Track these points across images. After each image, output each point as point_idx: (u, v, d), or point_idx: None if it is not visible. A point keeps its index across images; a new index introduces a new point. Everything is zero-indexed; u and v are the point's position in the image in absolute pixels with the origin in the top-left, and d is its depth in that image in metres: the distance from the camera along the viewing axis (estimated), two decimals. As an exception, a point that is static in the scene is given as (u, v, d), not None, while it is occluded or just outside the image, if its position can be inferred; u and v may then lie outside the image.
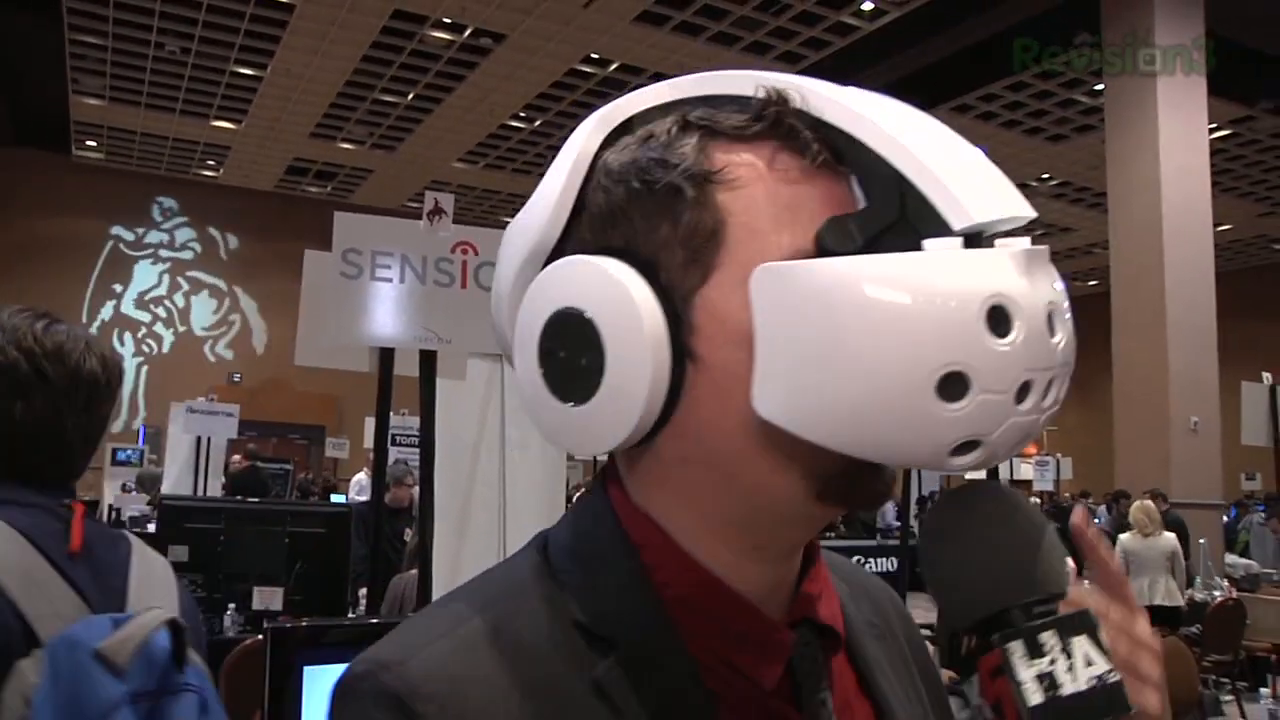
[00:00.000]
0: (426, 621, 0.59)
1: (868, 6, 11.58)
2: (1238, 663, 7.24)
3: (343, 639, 1.72)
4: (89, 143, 17.89)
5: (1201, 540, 8.58)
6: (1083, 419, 21.23)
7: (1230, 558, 9.68)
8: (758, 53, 12.71)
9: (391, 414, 3.83)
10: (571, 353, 0.57)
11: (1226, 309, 10.95)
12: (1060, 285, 0.55)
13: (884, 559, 12.75)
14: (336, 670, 1.58)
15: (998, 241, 0.54)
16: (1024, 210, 0.56)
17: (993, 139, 14.96)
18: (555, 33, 12.37)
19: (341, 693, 0.56)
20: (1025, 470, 15.33)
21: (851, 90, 0.59)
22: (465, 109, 15.11)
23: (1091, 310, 13.56)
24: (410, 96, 14.77)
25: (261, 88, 14.66)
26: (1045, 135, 15.02)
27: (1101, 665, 0.52)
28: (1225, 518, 11.00)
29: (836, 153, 0.57)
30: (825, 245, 0.55)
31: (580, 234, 0.59)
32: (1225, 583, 8.35)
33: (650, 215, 0.57)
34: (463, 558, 4.57)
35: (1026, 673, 0.51)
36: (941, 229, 0.53)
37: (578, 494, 11.89)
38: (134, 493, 11.28)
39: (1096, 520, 11.61)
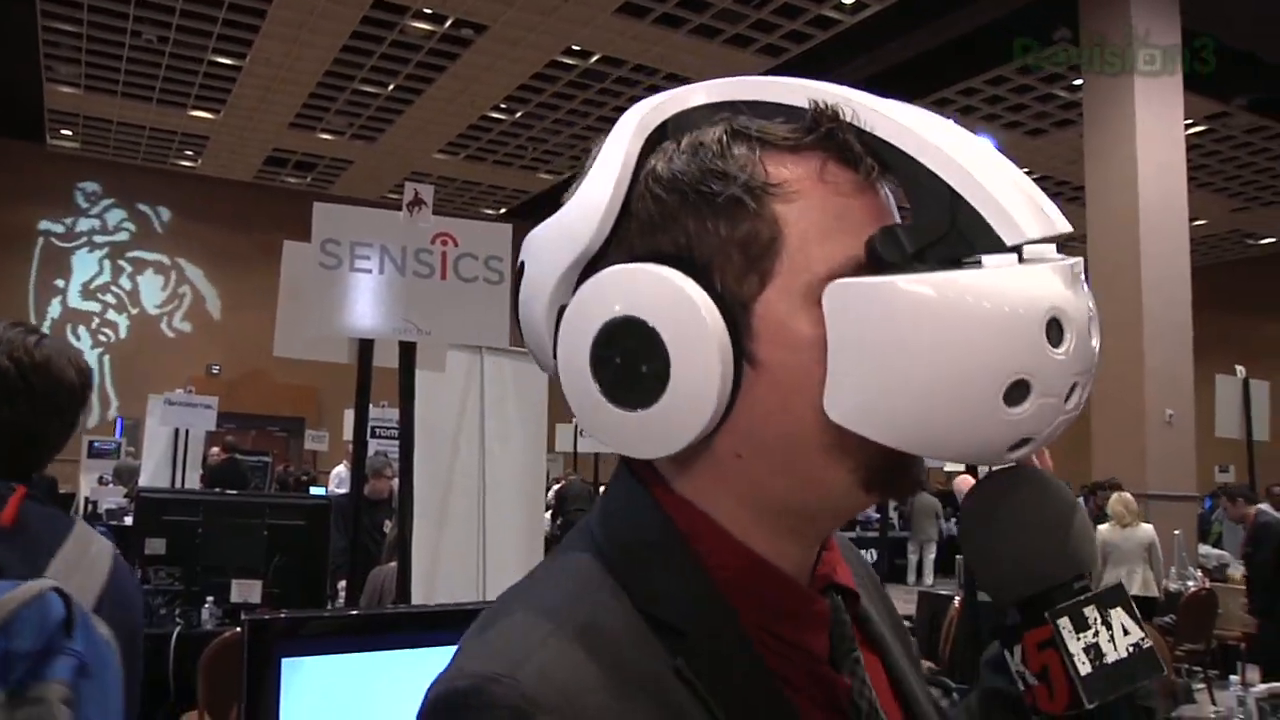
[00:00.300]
0: (511, 629, 0.58)
1: (849, 0, 11.61)
2: (1209, 651, 7.38)
3: (321, 630, 1.69)
4: (64, 131, 17.73)
5: (1176, 531, 8.67)
6: (1060, 412, 21.60)
7: (1203, 548, 9.79)
8: (739, 45, 12.73)
9: (371, 406, 3.82)
10: (630, 360, 0.58)
11: (1202, 303, 11.06)
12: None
13: (864, 550, 12.96)
14: (314, 662, 1.57)
15: (1028, 249, 0.57)
16: (1065, 225, 0.59)
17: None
18: (536, 24, 12.36)
19: (443, 710, 0.55)
20: (1004, 463, 15.31)
21: (896, 104, 0.61)
22: (446, 100, 15.07)
23: (1069, 304, 13.69)
24: (390, 87, 14.71)
25: (240, 77, 14.55)
26: (1024, 129, 15.12)
27: (1136, 634, 0.58)
28: (1200, 509, 11.11)
29: (883, 166, 0.60)
30: (877, 255, 0.58)
31: (627, 240, 0.61)
32: (1199, 573, 8.45)
33: (705, 224, 0.59)
34: (442, 549, 4.57)
35: (1075, 645, 0.57)
36: (993, 244, 0.56)
37: (557, 486, 11.90)
38: (111, 485, 11.22)
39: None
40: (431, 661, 0.60)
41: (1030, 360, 0.55)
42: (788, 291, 0.58)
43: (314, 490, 12.09)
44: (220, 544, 4.52)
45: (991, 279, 0.55)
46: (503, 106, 15.32)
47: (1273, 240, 20.79)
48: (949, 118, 0.60)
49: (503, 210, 20.57)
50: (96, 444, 13.34)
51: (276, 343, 3.93)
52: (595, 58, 13.32)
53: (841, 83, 0.62)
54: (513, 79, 14.06)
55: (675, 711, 0.56)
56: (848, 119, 0.60)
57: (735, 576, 0.61)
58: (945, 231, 0.57)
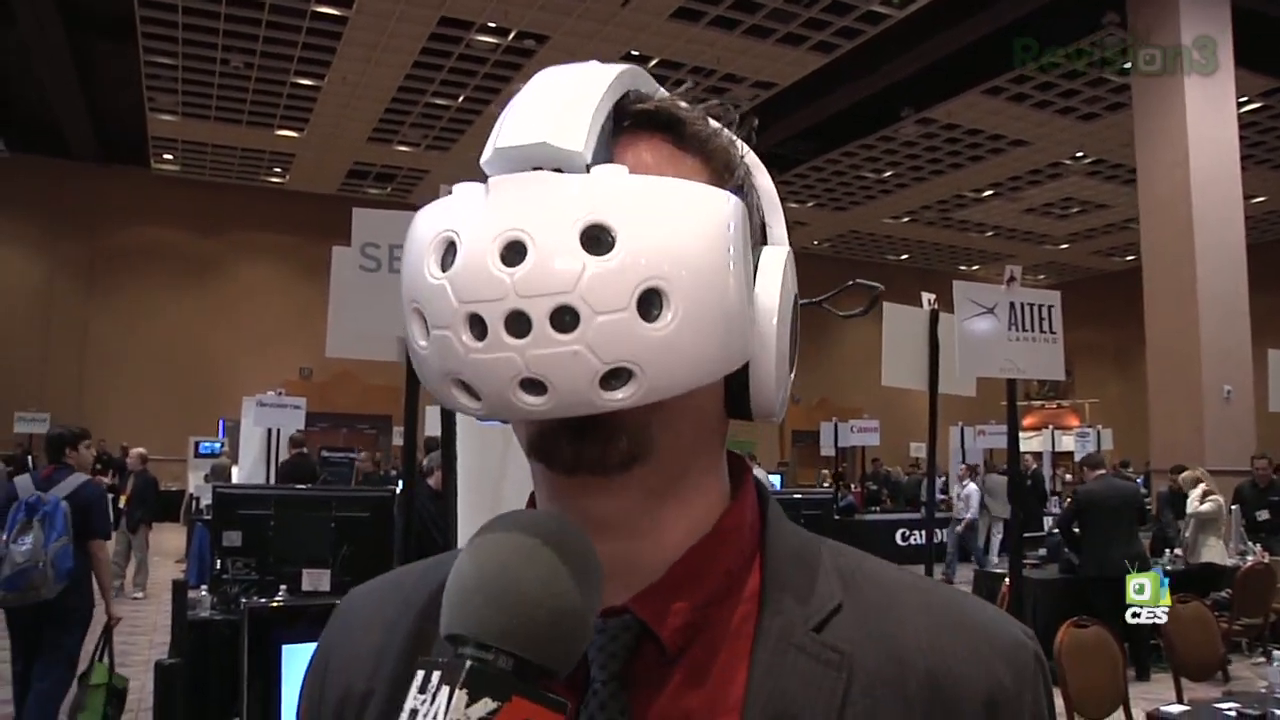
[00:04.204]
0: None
1: (897, -5, 11.79)
2: (1268, 625, 7.33)
3: (321, 617, 1.79)
4: (166, 156, 18.82)
5: (1234, 506, 8.69)
6: (1121, 391, 21.30)
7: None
8: (792, 44, 13.02)
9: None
10: None
11: (1264, 280, 10.94)
12: (559, 214, 0.48)
13: (923, 531, 12.91)
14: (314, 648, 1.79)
15: (496, 174, 0.51)
16: (537, 136, 0.50)
17: (1026, 119, 15.05)
18: (595, 31, 12.79)
19: None
20: (1067, 442, 15.21)
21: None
22: (514, 109, 15.58)
23: (1128, 284, 13.60)
24: (461, 99, 15.30)
25: (320, 96, 15.34)
26: (1077, 115, 15.03)
27: None
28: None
29: None
30: None
31: None
32: (1258, 547, 8.45)
33: None
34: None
35: (409, 702, 0.47)
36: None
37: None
38: (211, 483, 11.96)
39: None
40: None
41: (417, 288, 0.51)
42: None
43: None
44: (291, 536, 4.66)
45: (422, 213, 0.53)
46: (568, 113, 15.78)
47: (1337, 214, 20.23)
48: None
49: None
50: (202, 445, 14.23)
51: (329, 343, 3.97)
52: (654, 61, 13.66)
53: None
54: (576, 86, 14.54)
55: (389, 630, 0.63)
56: None
57: None
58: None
